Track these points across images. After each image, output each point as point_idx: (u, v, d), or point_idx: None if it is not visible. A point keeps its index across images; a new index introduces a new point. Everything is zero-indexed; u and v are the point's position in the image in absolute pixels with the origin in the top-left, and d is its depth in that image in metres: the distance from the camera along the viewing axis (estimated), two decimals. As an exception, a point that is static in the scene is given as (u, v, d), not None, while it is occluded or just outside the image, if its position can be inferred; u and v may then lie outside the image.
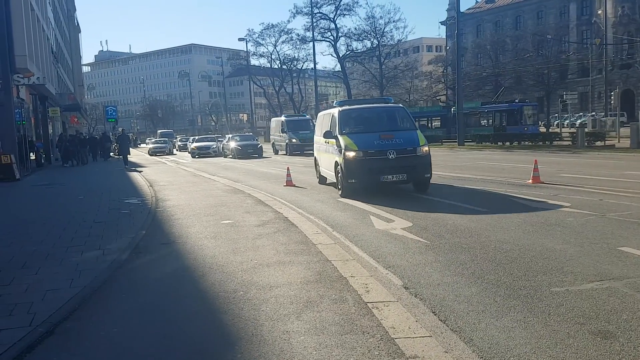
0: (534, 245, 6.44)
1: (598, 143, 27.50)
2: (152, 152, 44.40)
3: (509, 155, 24.47)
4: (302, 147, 32.03)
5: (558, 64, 56.05)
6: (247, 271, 5.78)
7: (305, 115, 40.05)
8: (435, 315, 4.34)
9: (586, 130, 29.82)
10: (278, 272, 5.69)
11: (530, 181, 12.49)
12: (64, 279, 5.64)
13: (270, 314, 4.44)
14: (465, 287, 5.02)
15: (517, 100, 40.58)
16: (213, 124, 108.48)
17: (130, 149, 36.23)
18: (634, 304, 4.36)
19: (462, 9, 65.72)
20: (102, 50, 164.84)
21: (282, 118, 36.49)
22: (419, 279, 5.36)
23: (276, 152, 36.13)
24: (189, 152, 39.52)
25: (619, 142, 27.32)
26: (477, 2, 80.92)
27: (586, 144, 27.03)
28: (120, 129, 38.67)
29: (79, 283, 5.49)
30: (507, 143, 32.94)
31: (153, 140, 54.87)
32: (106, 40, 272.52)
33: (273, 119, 40.42)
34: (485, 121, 38.91)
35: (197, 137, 46.15)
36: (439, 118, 43.33)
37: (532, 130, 33.89)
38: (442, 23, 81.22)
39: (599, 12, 54.44)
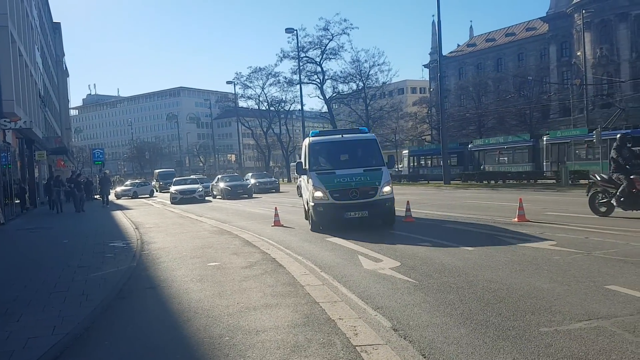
0: (522, 284, 6.43)
1: (582, 181, 27.90)
2: (118, 196, 43.21)
3: (495, 194, 24.68)
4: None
5: (540, 104, 57.26)
6: (233, 315, 5.69)
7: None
8: (425, 358, 4.28)
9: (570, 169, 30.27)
10: (265, 315, 5.61)
11: (516, 219, 12.57)
12: (46, 326, 5.50)
13: None
14: (455, 328, 4.97)
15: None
16: (201, 164, 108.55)
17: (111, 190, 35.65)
18: (623, 343, 4.34)
19: (445, 52, 67.43)
20: (90, 94, 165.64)
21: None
22: (408, 320, 5.31)
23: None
24: (170, 198, 32.38)
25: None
26: (458, 45, 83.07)
27: (570, 182, 27.42)
28: (106, 171, 38.51)
29: (62, 330, 5.36)
30: (492, 182, 33.34)
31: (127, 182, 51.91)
32: (94, 84, 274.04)
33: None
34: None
35: (177, 179, 37.84)
36: (455, 155, 42.52)
37: None
38: (425, 66, 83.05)
39: (578, 53, 56.15)
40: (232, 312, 5.82)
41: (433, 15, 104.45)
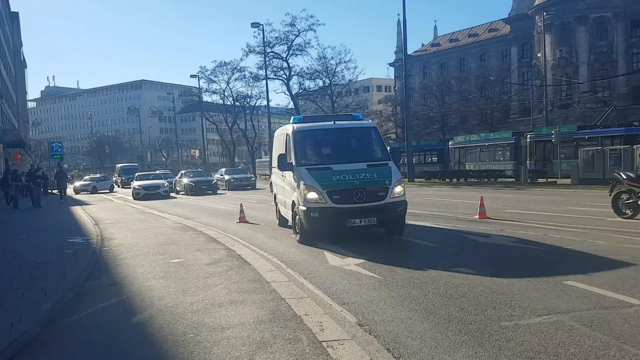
0: (483, 280, 6.57)
1: (540, 180, 28.71)
2: (77, 191, 41.79)
3: (457, 192, 25.14)
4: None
5: (501, 104, 58.66)
6: (197, 312, 5.62)
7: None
8: (389, 352, 4.33)
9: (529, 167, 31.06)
10: (230, 312, 5.56)
11: (477, 217, 12.84)
12: (3, 324, 5.31)
13: (222, 357, 4.31)
14: (418, 323, 5.04)
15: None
16: (163, 159, 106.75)
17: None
18: (580, 337, 4.49)
19: (410, 51, 68.19)
20: (49, 86, 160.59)
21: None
22: (373, 315, 5.36)
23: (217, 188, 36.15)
24: (132, 193, 31.19)
25: (560, 178, 28.58)
26: (423, 45, 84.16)
27: (529, 180, 28.16)
28: (64, 165, 37.39)
29: (19, 328, 5.19)
30: (455, 180, 33.91)
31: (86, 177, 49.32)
32: (53, 76, 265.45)
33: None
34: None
35: (140, 174, 36.39)
36: (436, 153, 41.94)
37: None
38: (390, 64, 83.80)
39: (539, 55, 57.67)
40: (197, 309, 5.75)
41: (398, 14, 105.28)
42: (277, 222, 13.07)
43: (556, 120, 51.57)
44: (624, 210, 11.76)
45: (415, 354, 4.27)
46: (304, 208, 9.71)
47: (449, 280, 6.63)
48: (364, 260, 8.12)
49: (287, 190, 10.95)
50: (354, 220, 9.49)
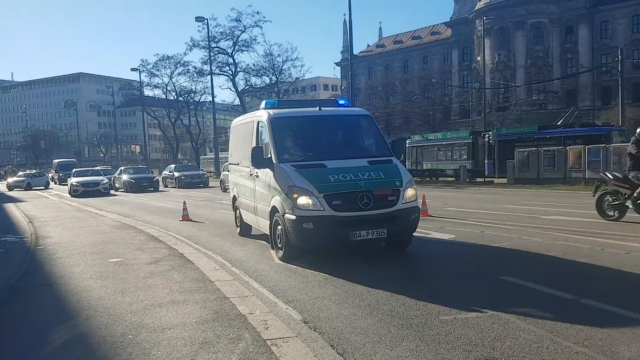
0: (424, 275, 6.74)
1: (479, 179, 29.75)
2: (10, 187, 39.94)
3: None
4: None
5: (442, 106, 60.43)
6: (137, 313, 5.46)
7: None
8: (333, 348, 4.36)
9: (468, 167, 32.04)
10: (172, 312, 5.44)
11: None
12: None
13: (162, 358, 4.21)
14: (362, 319, 5.11)
15: None
16: (102, 155, 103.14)
17: None
18: (516, 331, 4.67)
19: (355, 51, 68.88)
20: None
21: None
22: (318, 312, 5.38)
23: (165, 186, 35.35)
24: (69, 190, 29.90)
25: (497, 178, 29.70)
26: (368, 45, 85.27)
27: (468, 179, 29.11)
28: None
29: (-60, 333, 4.87)
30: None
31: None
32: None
33: None
34: None
35: (78, 170, 34.81)
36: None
37: None
38: (337, 64, 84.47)
39: (478, 58, 59.70)
40: (136, 309, 5.59)
41: (344, 14, 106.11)
42: (238, 230, 10.98)
43: (494, 122, 53.59)
44: (608, 212, 11.20)
45: (358, 350, 4.32)
46: (293, 217, 7.50)
47: (390, 277, 6.75)
48: (310, 258, 8.13)
49: (260, 193, 8.83)
50: (358, 232, 7.41)
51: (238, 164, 10.52)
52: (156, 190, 31.65)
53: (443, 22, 73.27)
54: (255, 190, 9.22)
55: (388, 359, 4.12)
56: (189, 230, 12.28)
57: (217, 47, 53.87)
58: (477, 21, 61.19)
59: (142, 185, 31.48)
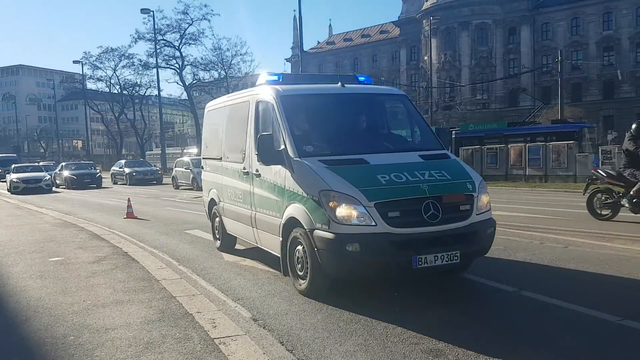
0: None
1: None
2: None
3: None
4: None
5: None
6: (79, 313, 5.27)
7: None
8: (283, 345, 4.35)
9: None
10: (115, 312, 5.28)
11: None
12: None
13: (105, 359, 4.08)
14: (312, 315, 5.12)
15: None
16: (42, 150, 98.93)
17: None
18: (459, 323, 4.81)
19: (306, 48, 69.01)
20: None
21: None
22: (267, 309, 5.36)
23: (115, 183, 34.22)
24: (8, 187, 28.53)
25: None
26: (319, 42, 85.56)
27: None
28: None
29: None
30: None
31: None
32: None
33: None
34: None
35: (18, 166, 33.05)
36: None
37: None
38: (287, 60, 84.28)
39: (425, 58, 60.95)
40: (78, 310, 5.39)
41: (294, 10, 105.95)
42: (217, 245, 8.76)
43: (440, 120, 54.93)
44: (600, 211, 10.72)
45: (307, 345, 4.33)
46: (330, 236, 5.25)
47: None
48: (261, 255, 8.08)
49: (263, 198, 6.55)
50: (424, 257, 5.26)
51: (220, 159, 8.19)
52: (99, 186, 30.69)
53: (392, 21, 74.36)
54: (252, 193, 6.86)
55: (337, 353, 4.16)
56: (134, 228, 11.96)
57: (163, 39, 52.76)
58: (424, 21, 62.48)
59: (85, 181, 30.46)
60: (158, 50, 50.73)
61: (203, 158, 9.34)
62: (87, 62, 58.92)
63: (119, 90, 61.57)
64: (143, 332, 4.66)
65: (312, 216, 5.45)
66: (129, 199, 15.30)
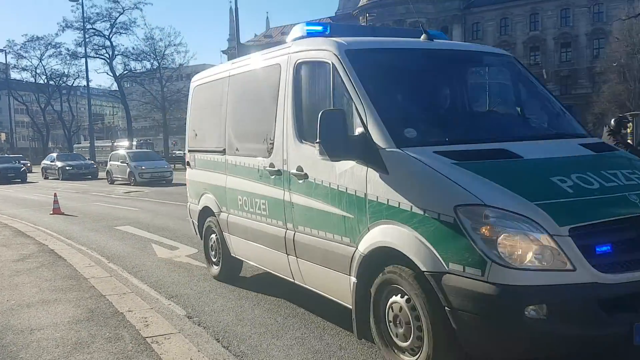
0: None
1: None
2: None
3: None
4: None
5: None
6: (2, 313, 4.99)
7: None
8: (218, 342, 4.30)
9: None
10: (41, 312, 5.03)
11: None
12: None
13: (30, 362, 3.89)
14: (249, 310, 5.10)
15: None
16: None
17: None
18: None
19: (242, 40, 68.16)
20: None
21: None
22: (203, 306, 5.28)
23: (46, 177, 32.61)
24: None
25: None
26: (256, 35, 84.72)
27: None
28: None
29: None
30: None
31: None
32: None
33: None
34: None
35: None
36: None
37: None
38: (223, 52, 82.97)
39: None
40: (1, 310, 5.11)
41: (230, 1, 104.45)
42: (214, 271, 6.41)
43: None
44: None
45: (244, 341, 4.31)
46: (489, 289, 2.91)
47: (278, 267, 6.78)
48: (196, 251, 7.93)
49: (314, 211, 4.26)
50: None
51: (222, 152, 5.89)
52: (24, 181, 29.18)
53: (329, 16, 74.76)
54: (290, 203, 4.57)
55: (274, 348, 4.16)
56: (61, 225, 11.46)
57: (92, 28, 50.50)
58: (360, 17, 63.21)
59: (8, 176, 28.92)
60: (87, 40, 48.57)
61: (189, 151, 6.97)
62: (11, 50, 55.84)
63: (45, 81, 58.67)
64: (71, 332, 4.48)
65: (439, 250, 3.14)
66: (55, 194, 14.62)
